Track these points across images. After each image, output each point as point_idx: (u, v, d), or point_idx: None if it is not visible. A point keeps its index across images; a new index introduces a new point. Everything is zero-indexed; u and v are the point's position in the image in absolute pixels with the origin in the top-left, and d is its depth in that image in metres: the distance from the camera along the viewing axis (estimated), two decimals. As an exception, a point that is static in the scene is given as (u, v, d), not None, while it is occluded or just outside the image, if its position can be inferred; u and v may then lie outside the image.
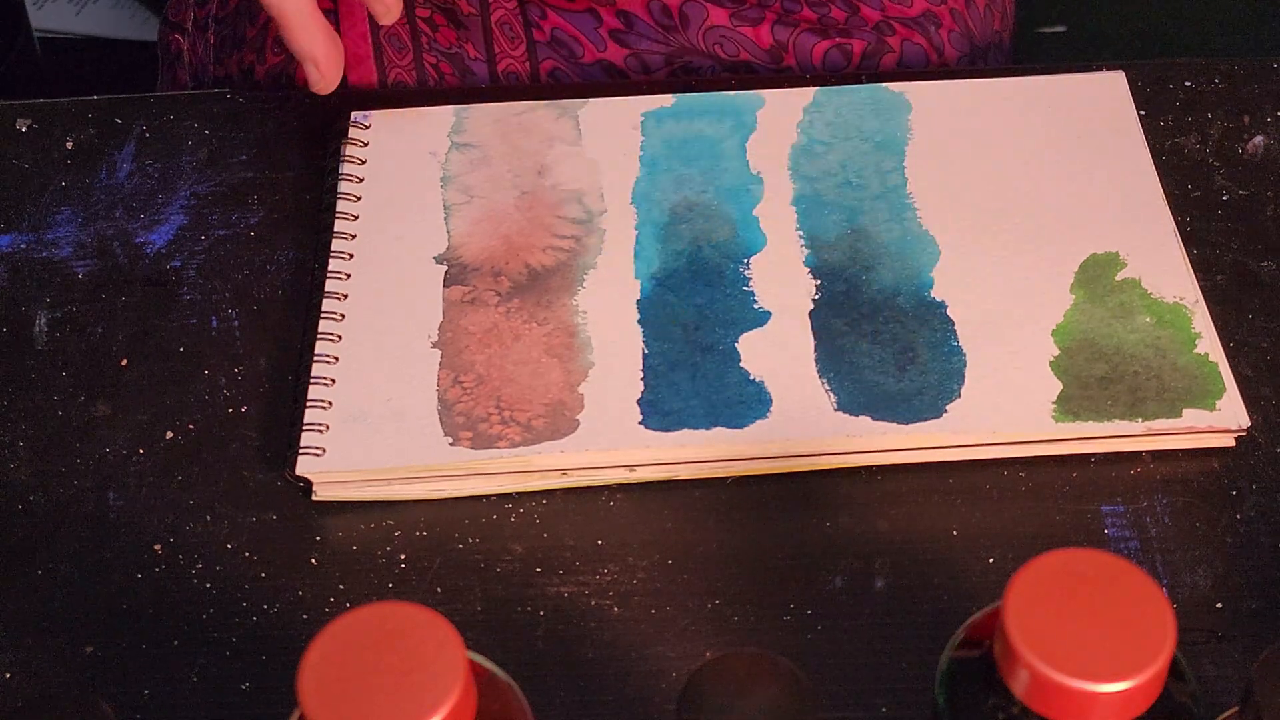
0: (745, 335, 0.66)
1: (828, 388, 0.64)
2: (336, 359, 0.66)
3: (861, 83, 0.77)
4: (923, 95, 0.76)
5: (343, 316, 0.68)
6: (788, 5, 0.85)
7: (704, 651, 0.58)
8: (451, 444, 0.63)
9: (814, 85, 0.77)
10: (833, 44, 0.85)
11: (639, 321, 0.67)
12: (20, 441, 0.66)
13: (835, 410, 0.63)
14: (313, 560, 0.62)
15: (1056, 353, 0.65)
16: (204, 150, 0.77)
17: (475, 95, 0.80)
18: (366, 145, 0.75)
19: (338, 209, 0.72)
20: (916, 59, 0.87)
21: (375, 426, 0.63)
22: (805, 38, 0.85)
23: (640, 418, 0.63)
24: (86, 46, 1.53)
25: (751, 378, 0.64)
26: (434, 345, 0.66)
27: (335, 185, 0.73)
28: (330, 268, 0.69)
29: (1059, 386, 0.64)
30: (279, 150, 0.77)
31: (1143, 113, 0.75)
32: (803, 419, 0.63)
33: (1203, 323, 0.66)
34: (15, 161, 0.77)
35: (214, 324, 0.70)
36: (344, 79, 0.84)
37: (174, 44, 0.93)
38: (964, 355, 0.65)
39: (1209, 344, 0.65)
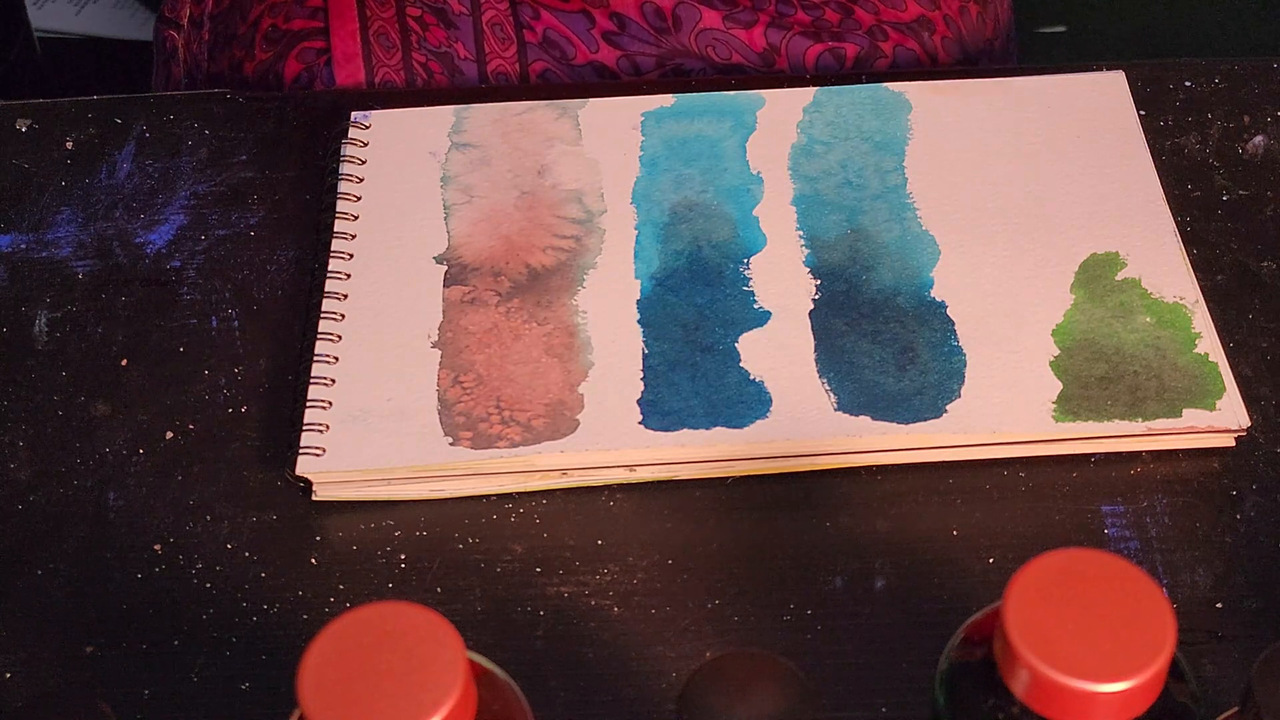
0: (745, 335, 0.66)
1: (828, 388, 0.64)
2: (336, 359, 0.66)
3: (862, 83, 0.77)
4: (923, 95, 0.75)
5: (343, 316, 0.68)
6: (781, 8, 0.85)
7: (704, 651, 0.58)
8: (451, 444, 0.63)
9: (814, 85, 0.77)
10: (825, 48, 0.85)
11: (639, 321, 0.67)
12: (20, 441, 0.66)
13: (835, 410, 0.63)
14: (313, 560, 0.62)
15: (1056, 353, 0.65)
16: (204, 150, 0.77)
17: (475, 95, 0.80)
18: (366, 145, 0.75)
19: (338, 209, 0.72)
20: (909, 65, 0.87)
21: (375, 426, 0.63)
22: (798, 41, 0.84)
23: (640, 418, 0.63)
24: (86, 46, 1.53)
25: (751, 378, 0.64)
26: (434, 345, 0.66)
27: (335, 185, 0.73)
28: (330, 268, 0.69)
29: (1059, 386, 0.63)
30: (279, 150, 0.77)
31: (1143, 113, 0.75)
32: (803, 419, 0.63)
33: (1203, 323, 0.66)
34: (15, 161, 0.77)
35: (214, 324, 0.70)
36: (333, 78, 0.84)
37: (169, 40, 0.92)
38: (964, 355, 0.65)
39: (1209, 344, 0.65)
